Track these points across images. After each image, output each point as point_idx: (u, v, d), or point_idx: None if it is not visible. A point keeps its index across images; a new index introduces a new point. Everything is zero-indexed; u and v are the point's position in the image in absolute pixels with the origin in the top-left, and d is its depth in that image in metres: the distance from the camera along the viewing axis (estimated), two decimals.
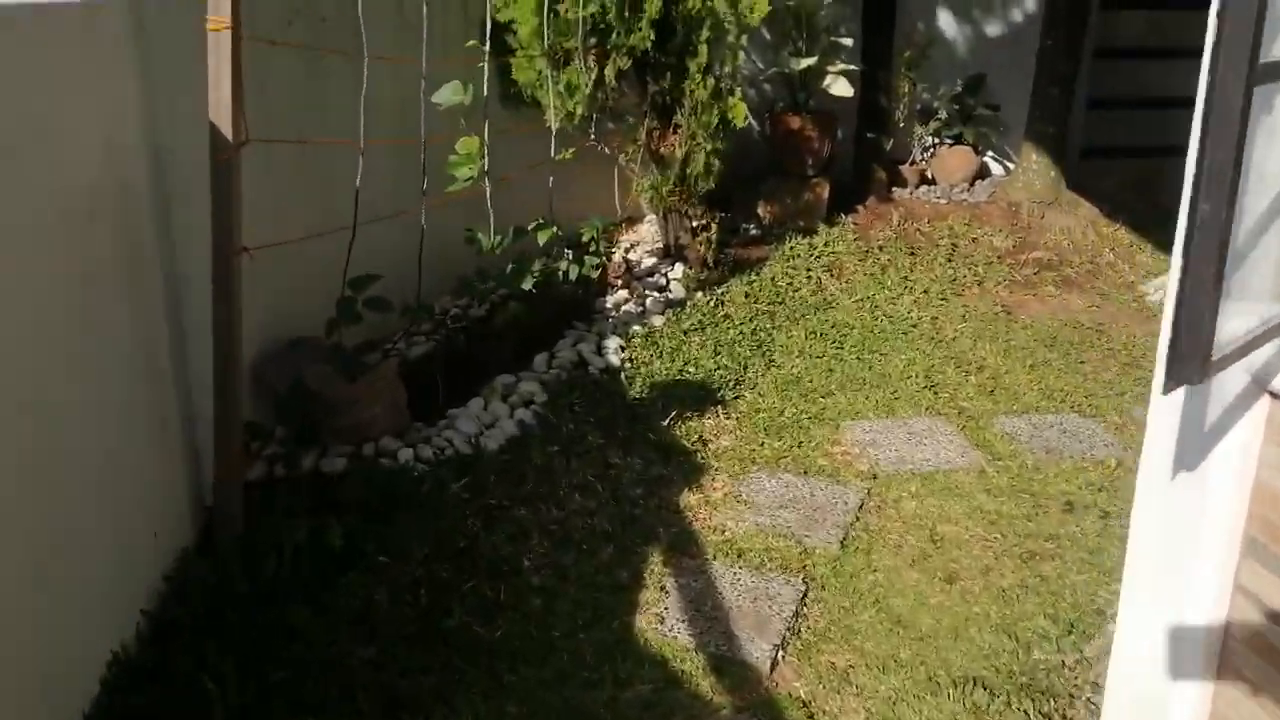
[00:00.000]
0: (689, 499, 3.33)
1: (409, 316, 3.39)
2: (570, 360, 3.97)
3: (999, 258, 5.76)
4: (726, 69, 4.59)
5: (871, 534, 3.20)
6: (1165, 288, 5.66)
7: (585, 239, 4.45)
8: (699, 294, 4.84)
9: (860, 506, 3.32)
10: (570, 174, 4.34)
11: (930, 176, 6.43)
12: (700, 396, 3.97)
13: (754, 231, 5.56)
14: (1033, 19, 6.46)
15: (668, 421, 3.73)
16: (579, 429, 3.56)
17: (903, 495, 3.41)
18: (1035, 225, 6.05)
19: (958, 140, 6.37)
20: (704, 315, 4.64)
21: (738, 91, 4.62)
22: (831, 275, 5.32)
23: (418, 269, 3.39)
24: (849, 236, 5.67)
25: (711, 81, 4.50)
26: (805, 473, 3.55)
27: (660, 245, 5.09)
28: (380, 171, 3.48)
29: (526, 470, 3.28)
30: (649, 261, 4.97)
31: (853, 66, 5.48)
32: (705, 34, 4.39)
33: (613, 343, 4.18)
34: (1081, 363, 4.54)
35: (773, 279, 5.14)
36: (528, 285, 3.68)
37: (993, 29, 6.47)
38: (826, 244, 5.55)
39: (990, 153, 6.62)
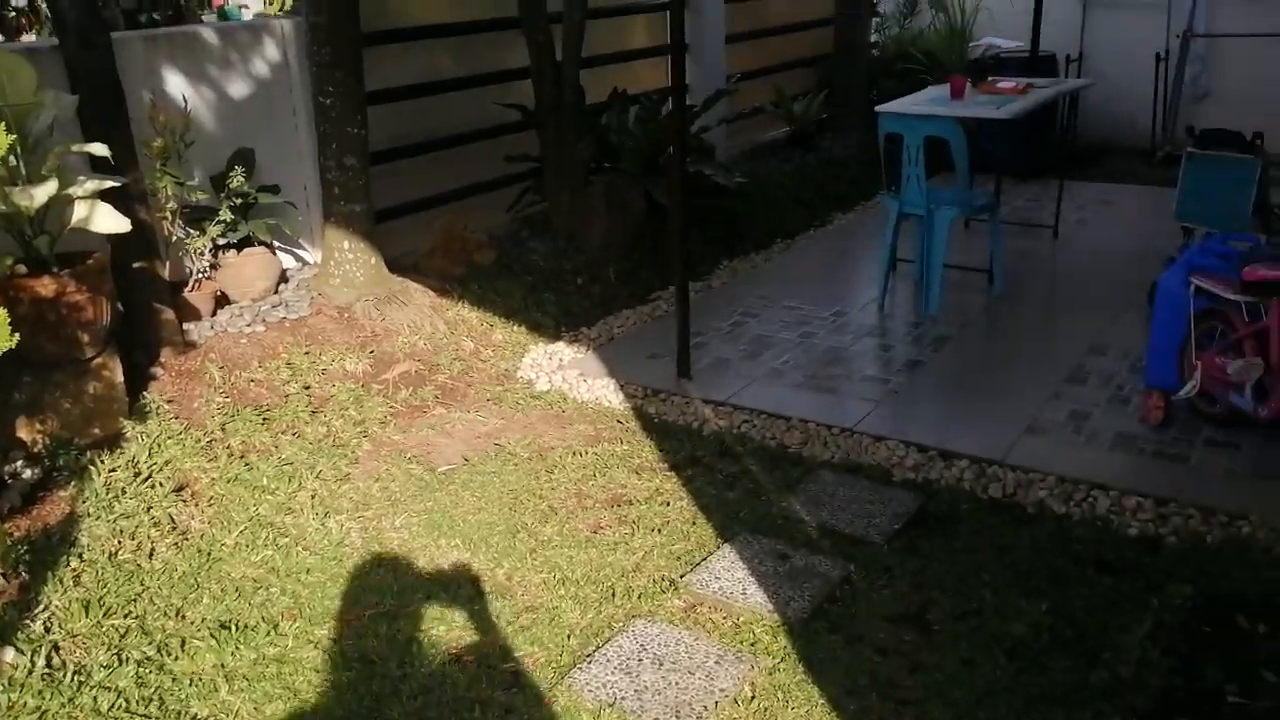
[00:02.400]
0: None
1: None
2: None
3: (364, 388, 4.50)
4: None
5: None
6: (541, 365, 5.04)
7: None
8: (6, 654, 2.70)
9: None
10: None
11: (225, 295, 4.78)
12: None
13: (28, 474, 3.40)
14: (281, 68, 5.13)
15: None
16: None
17: None
18: (380, 330, 4.87)
19: (245, 242, 4.81)
20: (39, 709, 2.57)
21: None
22: (186, 503, 3.51)
23: None
24: (175, 429, 3.84)
25: None
26: None
27: None
28: None
29: None
30: None
31: (112, 181, 3.57)
32: None
33: None
34: (570, 518, 3.59)
35: (110, 554, 3.17)
36: None
37: (240, 87, 4.98)
38: (152, 455, 3.66)
39: (282, 246, 5.20)
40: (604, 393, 4.65)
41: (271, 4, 11.74)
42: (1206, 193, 4.81)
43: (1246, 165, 4.66)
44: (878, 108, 5.47)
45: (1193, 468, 3.72)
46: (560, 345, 5.19)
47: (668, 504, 3.70)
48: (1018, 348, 4.98)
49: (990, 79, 6.06)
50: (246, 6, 11.32)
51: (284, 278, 5.09)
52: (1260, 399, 3.64)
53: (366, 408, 4.34)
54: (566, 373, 4.85)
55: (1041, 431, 4.05)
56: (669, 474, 3.92)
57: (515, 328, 5.29)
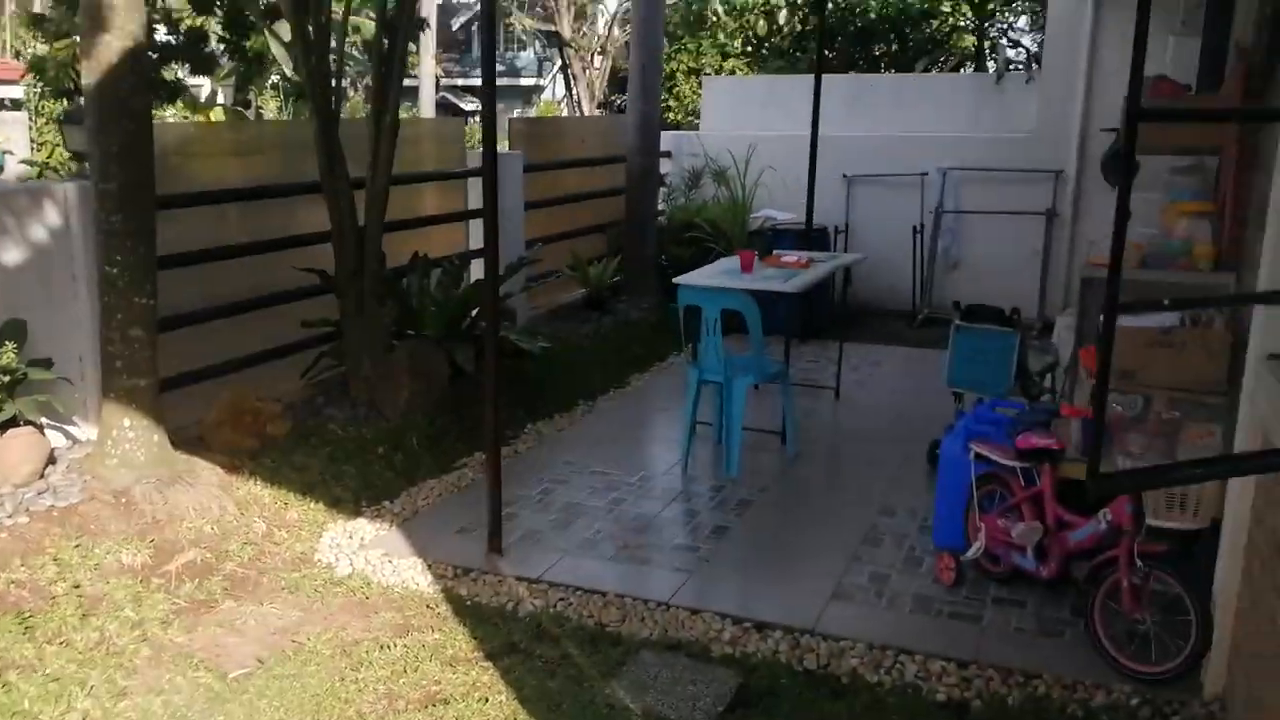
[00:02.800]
0: None
1: None
2: None
3: (143, 583, 4.11)
4: None
5: None
6: (342, 545, 4.77)
7: None
8: None
9: None
10: None
11: None
12: None
13: None
14: (62, 234, 4.81)
15: None
16: None
17: None
18: (162, 516, 4.49)
19: (10, 422, 4.38)
20: None
21: None
22: None
23: None
24: None
25: None
26: None
27: None
28: None
29: None
30: None
31: None
32: None
33: None
34: None
35: None
36: None
37: (14, 254, 4.62)
38: None
39: (52, 423, 4.76)
40: (411, 574, 4.45)
41: (40, 150, 11.08)
42: (973, 361, 5.27)
43: (1007, 337, 5.16)
44: (677, 280, 5.72)
45: (986, 627, 3.94)
46: (362, 521, 4.96)
47: (486, 699, 3.53)
48: (815, 510, 5.19)
49: (775, 253, 6.49)
50: (11, 152, 10.64)
51: (53, 459, 4.64)
52: (1041, 559, 3.93)
53: (146, 606, 3.95)
54: (369, 553, 4.62)
55: (847, 597, 4.19)
56: (486, 664, 3.76)
57: (312, 504, 5.02)
